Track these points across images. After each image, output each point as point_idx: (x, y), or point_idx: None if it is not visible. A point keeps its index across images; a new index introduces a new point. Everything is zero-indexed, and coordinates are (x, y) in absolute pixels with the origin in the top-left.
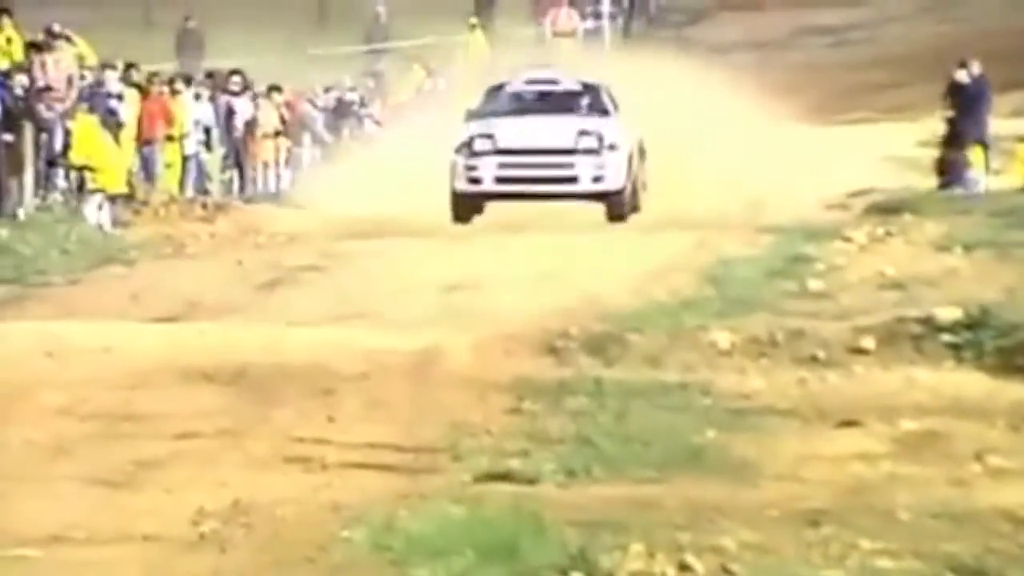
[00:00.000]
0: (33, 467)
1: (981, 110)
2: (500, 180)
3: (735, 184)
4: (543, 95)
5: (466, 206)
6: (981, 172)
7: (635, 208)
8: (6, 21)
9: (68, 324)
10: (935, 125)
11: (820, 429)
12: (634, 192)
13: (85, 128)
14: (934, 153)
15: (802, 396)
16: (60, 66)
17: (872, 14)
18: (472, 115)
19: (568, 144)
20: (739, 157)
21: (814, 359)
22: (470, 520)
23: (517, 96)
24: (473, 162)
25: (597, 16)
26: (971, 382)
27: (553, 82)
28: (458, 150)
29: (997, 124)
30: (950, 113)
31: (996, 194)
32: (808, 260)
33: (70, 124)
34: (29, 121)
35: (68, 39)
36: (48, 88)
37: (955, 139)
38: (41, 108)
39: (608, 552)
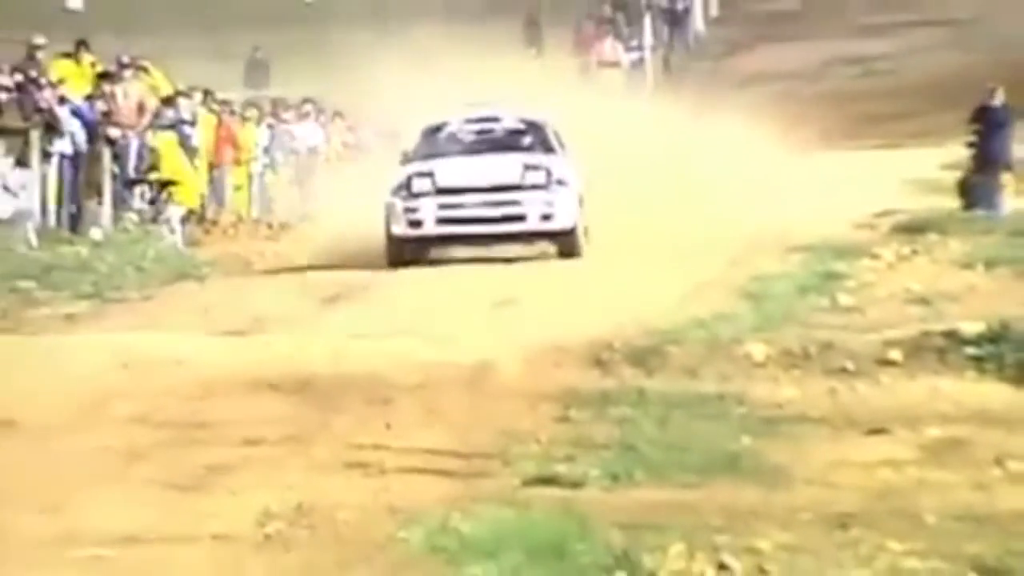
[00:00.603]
0: (109, 472)
1: (1006, 135)
2: (442, 221)
3: (770, 205)
4: (484, 133)
5: (404, 251)
6: (1010, 194)
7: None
8: (85, 52)
9: (143, 337)
10: (957, 150)
11: (850, 436)
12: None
13: (167, 146)
14: (956, 176)
15: (832, 405)
16: (130, 95)
17: (898, 45)
18: (409, 157)
19: (514, 180)
20: (773, 180)
21: (844, 370)
22: (520, 522)
23: (456, 136)
24: (412, 204)
25: (640, 48)
26: (992, 392)
27: (494, 120)
28: (395, 192)
29: (1018, 148)
30: (974, 138)
31: (1016, 215)
32: (838, 277)
33: (153, 143)
34: (106, 146)
35: (144, 69)
36: (118, 115)
37: (980, 163)
38: (114, 134)
39: (650, 552)
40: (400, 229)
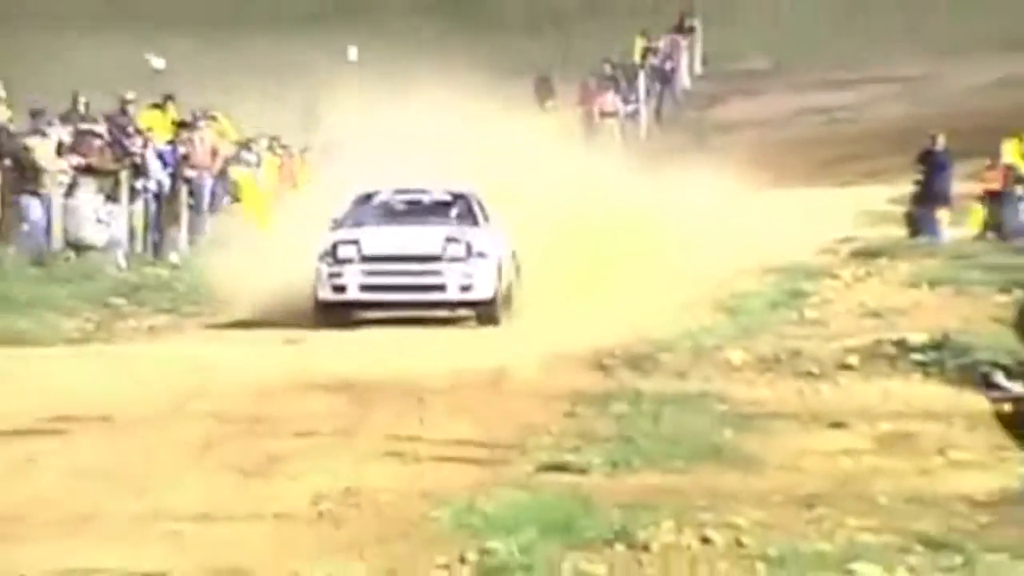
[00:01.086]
0: (186, 461)
1: (946, 175)
2: (366, 288)
3: (745, 233)
4: (411, 204)
5: (329, 316)
6: (948, 225)
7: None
8: (171, 104)
9: (213, 346)
10: (905, 187)
11: (814, 429)
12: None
13: (247, 180)
14: (903, 209)
15: (800, 403)
16: (204, 141)
17: (856, 98)
18: (338, 223)
19: (435, 251)
20: (749, 212)
21: (809, 373)
22: (534, 503)
23: (384, 205)
24: (337, 269)
25: (635, 101)
26: (936, 393)
27: (422, 191)
28: (321, 257)
29: (956, 186)
30: (919, 177)
31: (954, 242)
32: (804, 294)
33: (235, 177)
34: (184, 184)
35: (214, 118)
36: (195, 158)
37: (924, 198)
38: (191, 174)
39: (644, 528)
40: (325, 294)
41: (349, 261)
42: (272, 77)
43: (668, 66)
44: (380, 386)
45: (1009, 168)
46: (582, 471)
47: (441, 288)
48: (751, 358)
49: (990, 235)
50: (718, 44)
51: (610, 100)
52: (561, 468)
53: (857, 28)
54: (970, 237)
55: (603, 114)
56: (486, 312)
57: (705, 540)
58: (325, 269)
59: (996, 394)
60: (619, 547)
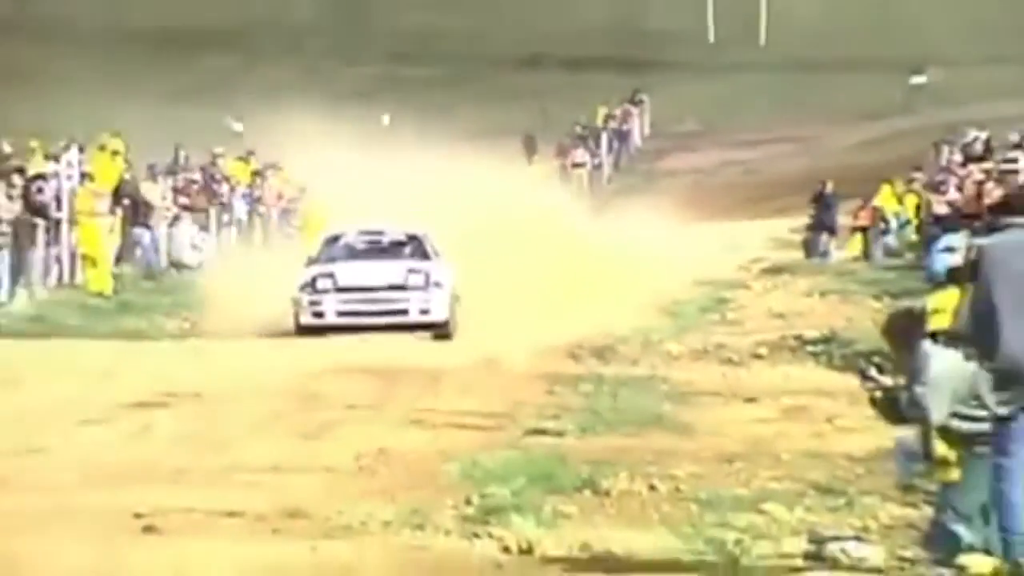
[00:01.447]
0: (257, 429)
1: (833, 211)
2: (341, 314)
3: (681, 255)
4: (373, 243)
5: (307, 336)
6: (833, 249)
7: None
8: (251, 158)
9: (279, 340)
10: (802, 219)
11: (733, 404)
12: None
13: (314, 213)
14: (801, 236)
15: (723, 383)
16: (272, 186)
17: (766, 152)
18: (312, 260)
19: (399, 281)
20: (684, 239)
21: (730, 361)
22: (522, 459)
23: (351, 244)
24: (316, 298)
25: (599, 155)
26: (825, 376)
27: (381, 232)
28: (302, 288)
29: (840, 220)
30: (812, 212)
31: (839, 262)
32: (726, 301)
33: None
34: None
35: (279, 168)
36: (265, 199)
37: (816, 228)
38: (262, 210)
39: (606, 478)
40: (306, 319)
41: (326, 291)
42: (327, 137)
43: (624, 128)
44: (406, 369)
45: (876, 208)
46: (558, 435)
47: (404, 312)
48: (686, 349)
49: (865, 258)
50: (661, 112)
51: (580, 154)
52: (542, 433)
53: (763, 102)
54: (850, 259)
55: (574, 165)
56: (441, 331)
57: (652, 487)
58: (306, 298)
59: (870, 384)
60: (587, 493)
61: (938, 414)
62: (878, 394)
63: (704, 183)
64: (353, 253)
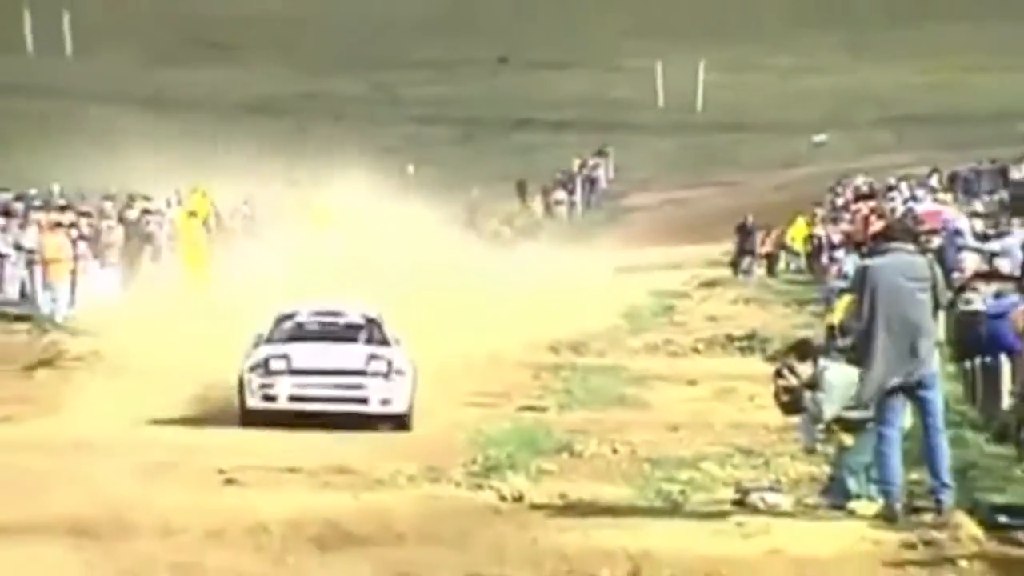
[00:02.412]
0: None
1: (754, 238)
2: (294, 399)
3: (638, 272)
4: (327, 325)
5: (255, 423)
6: (754, 268)
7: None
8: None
9: None
10: (729, 246)
11: (680, 386)
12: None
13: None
14: (728, 258)
15: (672, 371)
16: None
17: (700, 194)
18: (263, 339)
19: (359, 366)
20: (640, 260)
21: (676, 353)
22: (514, 429)
23: (304, 325)
24: (268, 380)
25: (574, 194)
26: (749, 364)
27: (337, 314)
28: (252, 369)
29: (759, 246)
30: (737, 239)
31: (759, 278)
32: (672, 307)
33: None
34: None
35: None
36: None
37: (740, 252)
38: None
39: (580, 443)
40: (255, 402)
41: (280, 373)
42: (364, 183)
43: (593, 175)
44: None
45: (779, 237)
46: (543, 410)
47: (364, 401)
48: (642, 345)
49: (770, 275)
50: (622, 162)
51: (560, 195)
52: (531, 409)
53: (699, 155)
54: (766, 275)
55: (556, 202)
56: (401, 423)
57: (615, 451)
58: (256, 380)
59: (781, 382)
60: (564, 455)
61: (828, 414)
62: (784, 392)
63: (654, 217)
64: (307, 334)
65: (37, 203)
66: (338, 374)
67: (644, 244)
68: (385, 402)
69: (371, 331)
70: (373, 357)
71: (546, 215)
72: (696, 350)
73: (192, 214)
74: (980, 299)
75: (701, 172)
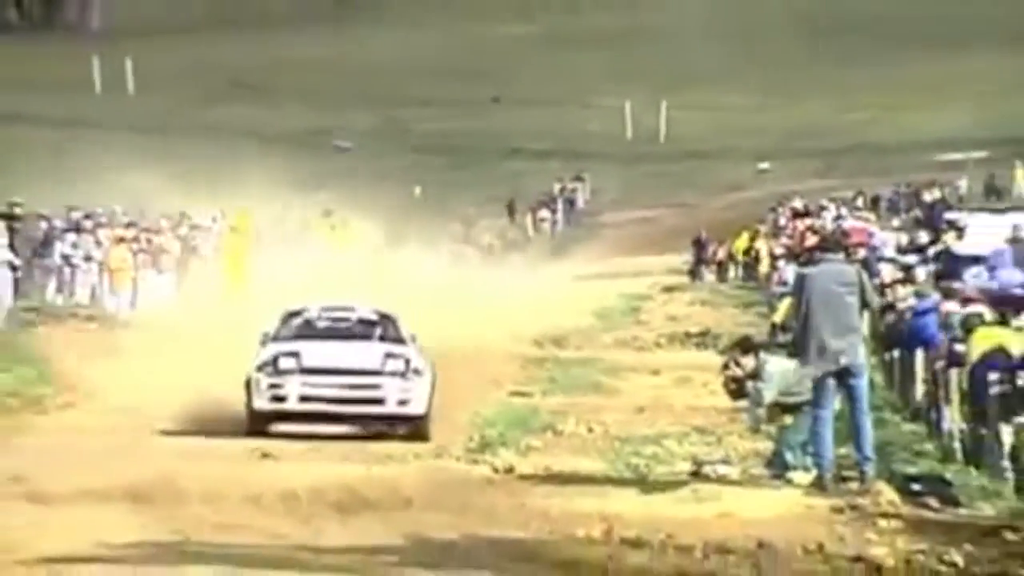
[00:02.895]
0: None
1: (707, 250)
2: (304, 399)
3: (611, 279)
4: (339, 321)
5: (264, 424)
6: (705, 273)
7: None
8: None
9: None
10: (687, 256)
11: (645, 376)
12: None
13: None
14: (687, 267)
15: (638, 362)
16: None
17: (661, 214)
18: (270, 337)
19: (375, 365)
20: (613, 269)
21: (642, 348)
22: (506, 410)
23: (314, 322)
24: (277, 380)
25: (556, 213)
26: (702, 357)
27: (349, 309)
28: (260, 368)
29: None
30: (693, 251)
31: (711, 283)
32: (638, 308)
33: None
34: None
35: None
36: None
37: (696, 261)
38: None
39: (561, 424)
40: (262, 403)
41: (290, 372)
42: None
43: (573, 197)
44: (444, 354)
45: (728, 250)
46: (529, 395)
47: (380, 402)
48: (613, 340)
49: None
50: (596, 185)
51: (544, 213)
52: (519, 394)
53: (662, 180)
54: (717, 281)
55: (541, 220)
56: (418, 427)
57: (590, 430)
58: (264, 379)
59: (728, 372)
60: (548, 433)
61: (768, 399)
62: (731, 381)
63: (623, 232)
64: (317, 331)
65: (103, 220)
66: (353, 373)
67: (614, 255)
68: (403, 403)
69: (385, 328)
70: (390, 355)
71: (532, 231)
72: (659, 345)
73: (234, 229)
74: (904, 300)
75: (663, 195)
